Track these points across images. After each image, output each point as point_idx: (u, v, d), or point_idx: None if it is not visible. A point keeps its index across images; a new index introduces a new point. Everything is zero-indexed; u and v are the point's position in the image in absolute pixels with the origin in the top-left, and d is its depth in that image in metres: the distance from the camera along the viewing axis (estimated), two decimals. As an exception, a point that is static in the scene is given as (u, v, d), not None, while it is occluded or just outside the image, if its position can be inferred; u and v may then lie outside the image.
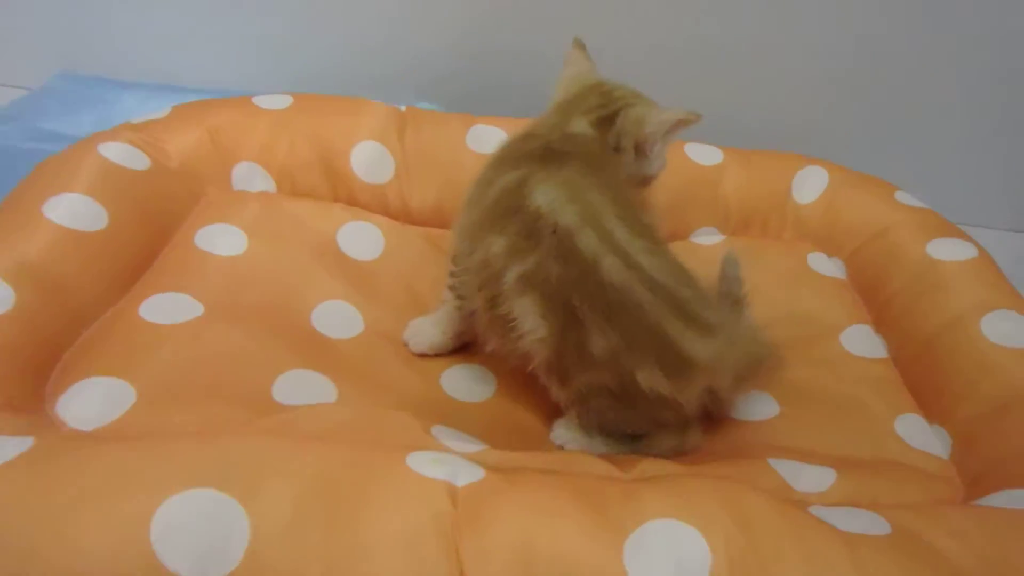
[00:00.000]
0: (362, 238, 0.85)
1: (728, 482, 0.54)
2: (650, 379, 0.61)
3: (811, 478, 0.62)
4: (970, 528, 0.52)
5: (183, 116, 0.85)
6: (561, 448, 0.68)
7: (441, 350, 0.75)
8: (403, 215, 0.90)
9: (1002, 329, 0.71)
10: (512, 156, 0.69)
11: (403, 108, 0.93)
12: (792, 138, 1.03)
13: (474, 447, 0.60)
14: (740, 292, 0.71)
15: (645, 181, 0.74)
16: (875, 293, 0.84)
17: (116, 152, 0.77)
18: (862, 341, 0.80)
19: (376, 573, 0.45)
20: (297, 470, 0.49)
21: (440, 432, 0.62)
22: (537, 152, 0.68)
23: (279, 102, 0.89)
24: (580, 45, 0.78)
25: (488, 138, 0.91)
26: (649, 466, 0.61)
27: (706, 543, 0.47)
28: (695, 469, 0.61)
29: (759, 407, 0.73)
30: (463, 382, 0.73)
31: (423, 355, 0.75)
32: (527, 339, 0.64)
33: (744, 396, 0.72)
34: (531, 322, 0.63)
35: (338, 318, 0.76)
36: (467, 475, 0.51)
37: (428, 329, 0.75)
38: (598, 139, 0.71)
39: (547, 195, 0.63)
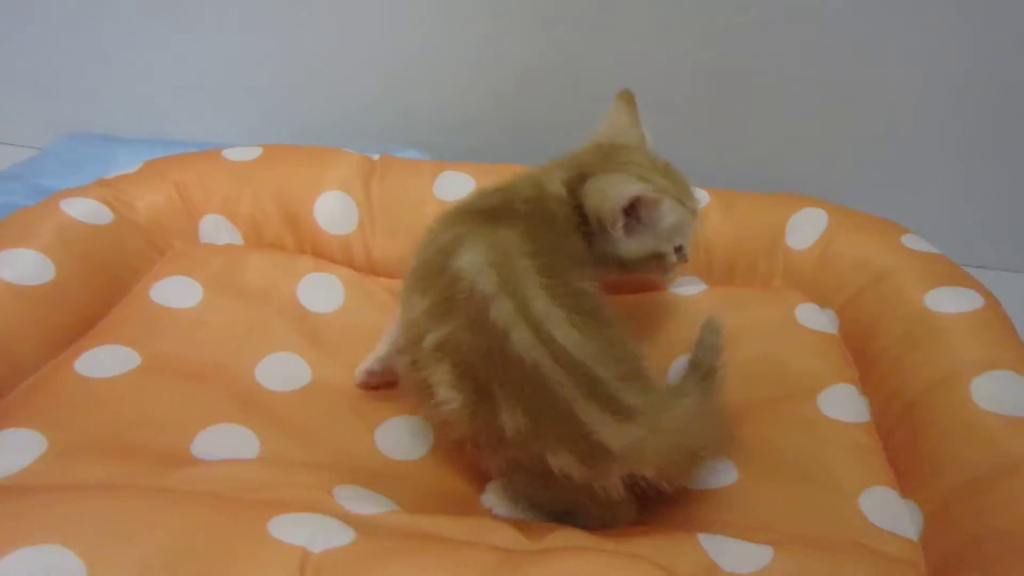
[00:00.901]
0: (322, 290, 0.87)
1: (632, 560, 0.52)
2: (561, 464, 0.58)
3: (743, 556, 0.58)
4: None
5: (152, 170, 0.90)
6: (489, 512, 0.66)
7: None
8: (367, 266, 0.91)
9: (994, 392, 0.66)
10: (464, 211, 0.69)
11: (375, 157, 0.95)
12: (804, 179, 1.00)
13: (378, 508, 0.59)
14: (715, 363, 0.66)
15: (623, 265, 0.71)
16: (864, 348, 0.78)
17: (79, 208, 0.82)
18: (843, 403, 0.75)
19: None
20: (148, 535, 0.49)
21: (344, 492, 0.61)
22: (489, 209, 0.68)
23: (247, 154, 0.92)
24: (625, 98, 0.77)
25: (456, 186, 0.91)
26: (561, 536, 0.59)
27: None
28: (610, 543, 0.58)
29: (714, 474, 0.69)
30: (399, 438, 0.73)
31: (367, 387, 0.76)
32: (443, 408, 0.62)
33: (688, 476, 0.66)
34: (444, 392, 0.61)
35: (283, 371, 0.78)
36: (329, 540, 0.50)
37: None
38: (568, 202, 0.70)
39: (471, 257, 0.62)
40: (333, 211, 0.90)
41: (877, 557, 0.61)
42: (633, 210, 0.68)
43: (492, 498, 0.67)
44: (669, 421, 0.59)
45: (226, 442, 0.68)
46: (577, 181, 0.70)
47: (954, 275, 0.79)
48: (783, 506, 0.65)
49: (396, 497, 0.64)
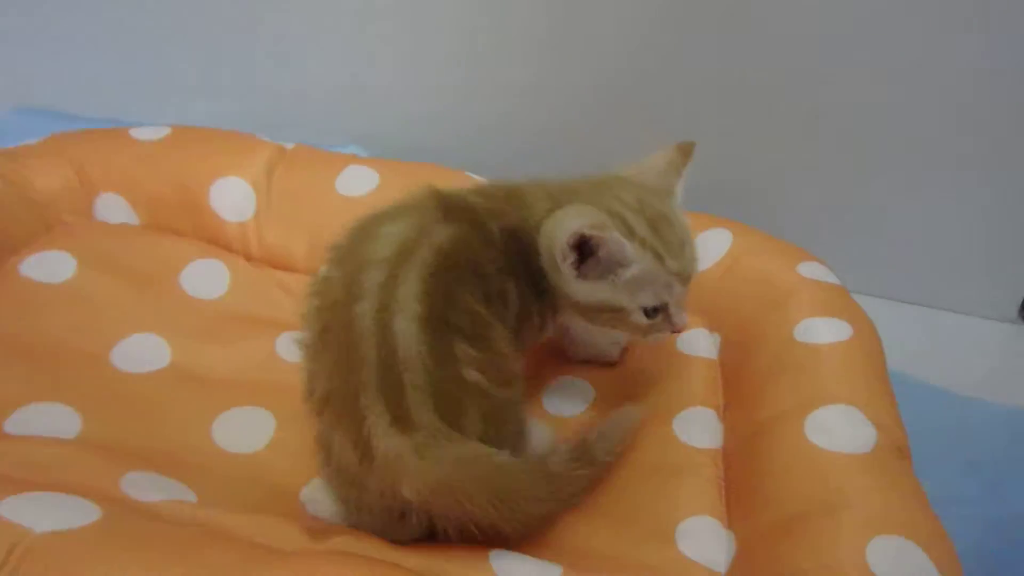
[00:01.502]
0: (207, 277, 0.88)
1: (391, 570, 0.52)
2: (338, 447, 0.59)
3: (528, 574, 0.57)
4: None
5: (53, 144, 0.93)
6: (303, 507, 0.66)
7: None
8: (261, 256, 0.92)
9: (827, 426, 0.65)
10: (445, 196, 0.69)
11: (290, 146, 0.96)
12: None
13: (162, 496, 0.60)
14: (604, 455, 0.67)
15: (581, 311, 0.69)
16: (737, 374, 0.77)
17: (-36, 178, 0.85)
18: (699, 427, 0.74)
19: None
20: None
21: (134, 477, 0.63)
22: (461, 205, 0.68)
23: (155, 134, 0.95)
24: (682, 149, 0.73)
25: (360, 181, 0.92)
26: (346, 541, 0.59)
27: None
28: (395, 555, 0.58)
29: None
30: (240, 429, 0.74)
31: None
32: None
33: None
34: (303, 334, 0.64)
35: (141, 353, 0.79)
36: (61, 522, 0.51)
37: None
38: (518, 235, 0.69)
39: (395, 227, 0.64)
40: (230, 198, 0.92)
41: (678, 568, 0.60)
42: (588, 248, 0.65)
43: (307, 493, 0.67)
44: (438, 454, 0.57)
45: (44, 421, 0.69)
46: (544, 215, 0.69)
47: (837, 305, 0.77)
48: (603, 527, 0.65)
49: (204, 488, 0.65)
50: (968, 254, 1.08)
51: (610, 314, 0.68)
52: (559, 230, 0.65)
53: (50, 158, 0.91)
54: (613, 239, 0.64)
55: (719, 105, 1.04)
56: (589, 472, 0.66)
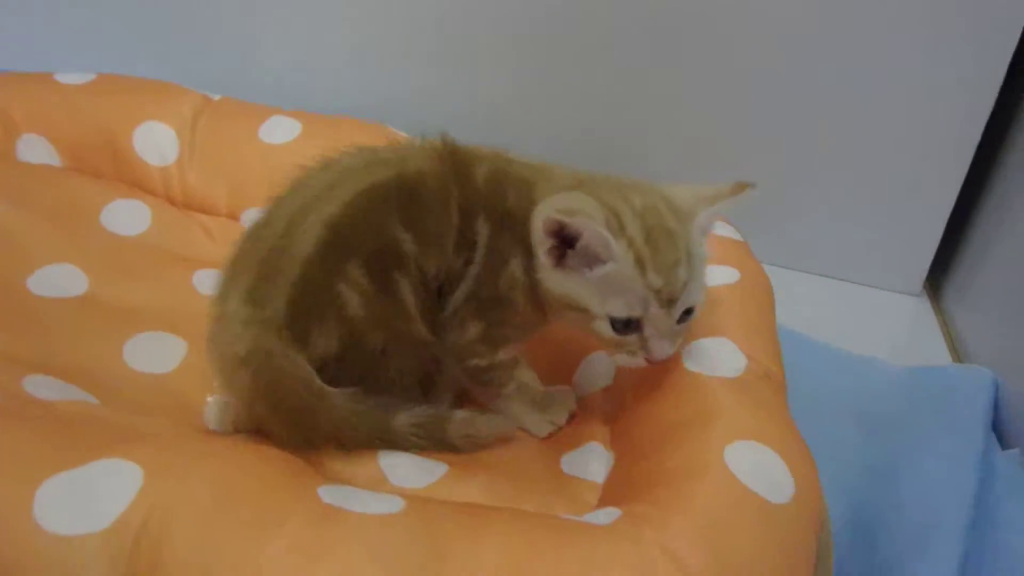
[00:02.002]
0: (128, 215, 0.94)
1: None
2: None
3: (416, 471, 0.64)
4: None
5: (-24, 86, 0.97)
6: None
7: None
8: (183, 200, 0.98)
9: (705, 355, 0.71)
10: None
11: (216, 97, 1.01)
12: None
13: (61, 396, 0.65)
14: (455, 440, 0.69)
15: (550, 302, 0.67)
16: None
17: None
18: (594, 372, 0.80)
19: None
20: None
21: (35, 380, 0.67)
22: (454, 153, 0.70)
23: (79, 79, 1.00)
24: (734, 187, 0.68)
25: (283, 130, 0.98)
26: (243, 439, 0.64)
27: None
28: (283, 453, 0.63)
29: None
30: (149, 351, 0.79)
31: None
32: None
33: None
34: None
35: (59, 281, 0.84)
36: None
37: None
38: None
39: (352, 154, 0.70)
40: (153, 142, 0.97)
41: (559, 484, 0.67)
42: (569, 239, 0.63)
43: (207, 410, 0.72)
44: (258, 336, 0.63)
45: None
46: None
47: (732, 256, 0.84)
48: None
49: (109, 398, 0.70)
50: (876, 229, 1.15)
51: (576, 314, 0.66)
52: (539, 214, 0.64)
53: (-29, 99, 0.95)
54: (589, 229, 0.61)
55: (640, 76, 1.11)
56: (428, 445, 0.67)
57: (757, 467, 0.60)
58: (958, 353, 1.07)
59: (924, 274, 1.17)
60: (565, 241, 0.63)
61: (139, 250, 0.90)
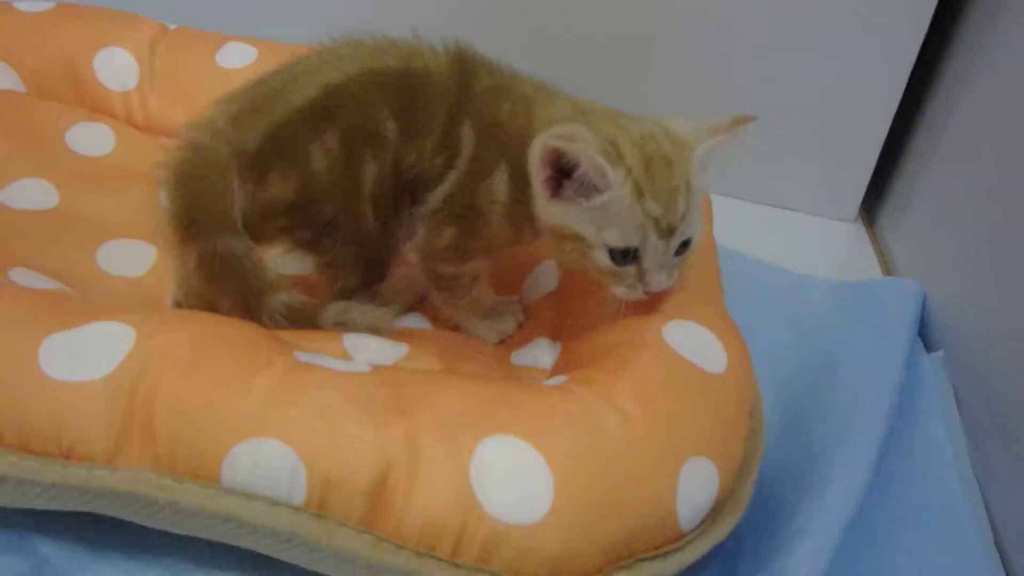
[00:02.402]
0: (93, 136, 1.00)
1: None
2: None
3: (381, 351, 0.71)
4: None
5: (-64, 13, 1.01)
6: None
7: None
8: (145, 124, 1.03)
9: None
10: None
11: (172, 27, 1.06)
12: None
13: (44, 286, 0.70)
14: (325, 325, 0.74)
15: (547, 230, 0.70)
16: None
17: None
18: (543, 280, 0.88)
19: None
20: None
21: (19, 272, 0.73)
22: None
23: (39, 7, 1.04)
24: (737, 118, 0.71)
25: (239, 56, 1.04)
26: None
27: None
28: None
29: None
30: (122, 257, 0.85)
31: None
32: None
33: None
34: None
35: (32, 195, 0.89)
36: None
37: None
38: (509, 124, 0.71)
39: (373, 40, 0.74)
40: (114, 67, 1.02)
41: (511, 371, 0.75)
42: (566, 168, 0.65)
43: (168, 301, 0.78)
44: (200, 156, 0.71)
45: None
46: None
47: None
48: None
49: (85, 294, 0.75)
50: (812, 158, 1.23)
51: (574, 244, 0.67)
52: (537, 143, 0.65)
53: (-68, 26, 0.99)
54: (586, 157, 0.63)
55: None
56: (294, 326, 0.72)
57: (692, 342, 0.68)
58: (890, 274, 1.16)
59: (859, 201, 1.25)
60: (562, 171, 0.65)
61: (105, 170, 0.96)
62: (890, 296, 1.02)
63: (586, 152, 0.62)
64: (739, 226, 1.07)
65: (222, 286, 0.69)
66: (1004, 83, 0.96)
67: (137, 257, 0.84)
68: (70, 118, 0.99)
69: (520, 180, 0.68)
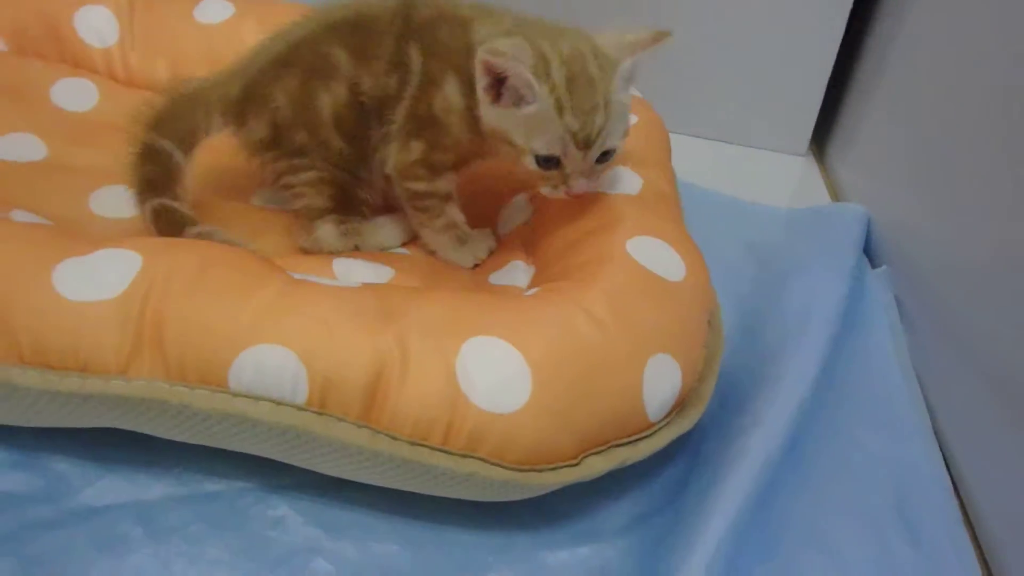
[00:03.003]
0: (76, 92, 1.01)
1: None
2: None
3: (365, 271, 0.75)
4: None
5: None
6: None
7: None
8: (126, 79, 1.05)
9: (610, 180, 0.83)
10: None
11: (148, -15, 1.09)
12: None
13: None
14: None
15: (486, 129, 0.76)
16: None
17: None
18: (511, 212, 0.93)
19: None
20: None
21: (19, 214, 0.75)
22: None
23: None
24: (654, 35, 0.75)
25: (216, 11, 1.06)
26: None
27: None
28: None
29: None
30: (114, 202, 0.86)
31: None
32: None
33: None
34: None
35: (20, 149, 0.92)
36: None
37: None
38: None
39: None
40: (96, 24, 1.04)
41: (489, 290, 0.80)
42: (502, 78, 0.71)
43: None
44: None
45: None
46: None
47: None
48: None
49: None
50: (762, 95, 1.28)
51: (508, 148, 0.75)
52: (478, 55, 0.71)
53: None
54: (514, 71, 0.70)
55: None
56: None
57: (653, 254, 0.74)
58: (839, 202, 1.22)
59: (809, 135, 1.30)
60: (500, 80, 0.71)
61: (90, 124, 0.98)
62: (837, 218, 1.08)
63: (514, 66, 0.69)
64: (697, 162, 1.12)
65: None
66: (936, 20, 1.01)
67: (128, 202, 0.86)
68: (53, 75, 1.01)
69: (470, 88, 0.75)
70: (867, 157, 1.19)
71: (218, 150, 0.84)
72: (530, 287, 0.79)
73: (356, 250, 0.84)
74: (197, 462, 0.67)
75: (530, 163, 0.74)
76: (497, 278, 0.83)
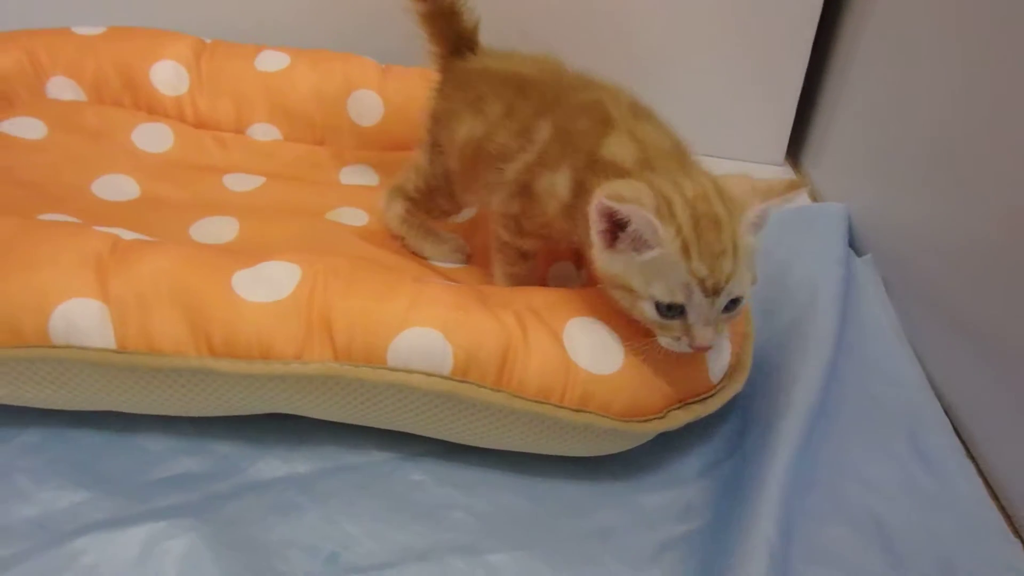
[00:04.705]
0: (154, 135, 1.12)
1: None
2: None
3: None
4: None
5: (4, 37, 1.11)
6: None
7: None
8: (195, 122, 1.15)
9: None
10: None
11: (208, 40, 1.18)
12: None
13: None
14: None
15: (599, 274, 0.72)
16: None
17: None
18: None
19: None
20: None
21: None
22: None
23: (93, 30, 1.15)
24: (789, 184, 0.71)
25: (274, 61, 1.17)
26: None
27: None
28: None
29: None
30: (210, 229, 0.97)
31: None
32: None
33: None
34: None
35: (117, 188, 1.02)
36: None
37: None
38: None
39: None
40: (168, 76, 1.14)
41: None
42: (621, 223, 0.67)
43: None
44: None
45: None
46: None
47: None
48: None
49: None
50: (737, 104, 1.39)
51: (623, 293, 0.69)
52: (595, 198, 0.66)
53: (2, 47, 1.09)
54: (638, 215, 0.65)
55: None
56: None
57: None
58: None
59: (785, 146, 1.43)
60: (617, 224, 0.67)
61: (170, 163, 1.09)
62: (821, 216, 1.21)
63: (638, 211, 0.64)
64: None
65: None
66: (894, 35, 1.15)
67: (223, 229, 0.97)
68: (132, 120, 1.11)
69: (580, 190, 0.74)
70: (839, 162, 1.32)
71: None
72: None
73: (404, 244, 0.97)
74: (336, 441, 0.78)
75: (649, 311, 0.68)
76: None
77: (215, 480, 0.74)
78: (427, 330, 0.69)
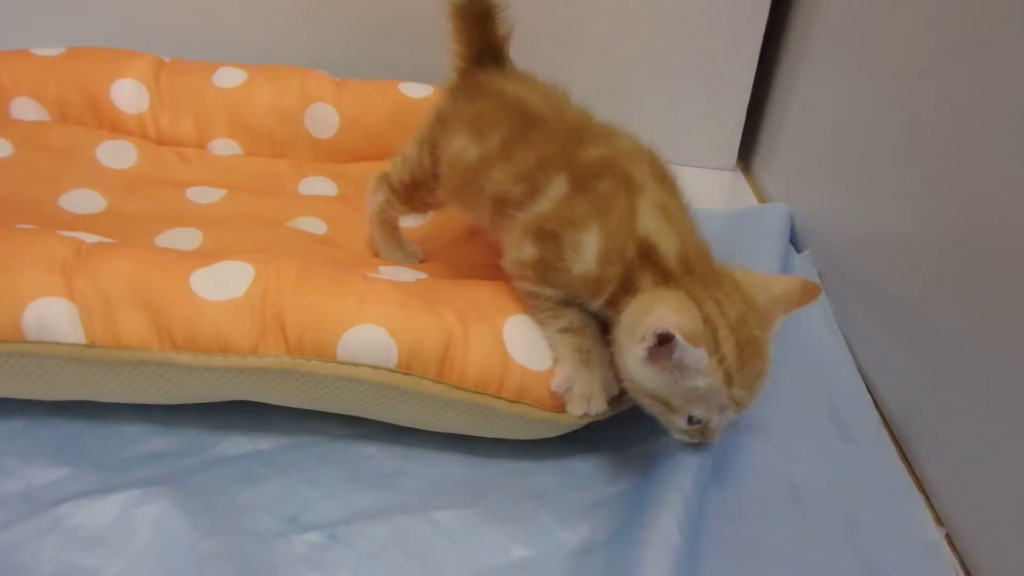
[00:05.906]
0: (118, 152, 1.22)
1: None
2: None
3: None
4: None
5: (-35, 60, 1.22)
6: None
7: None
8: (157, 138, 1.26)
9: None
10: None
11: (166, 59, 1.32)
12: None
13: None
14: None
15: (631, 384, 0.76)
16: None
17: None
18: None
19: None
20: None
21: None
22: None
23: (52, 51, 1.26)
24: (807, 291, 0.80)
25: (230, 77, 1.28)
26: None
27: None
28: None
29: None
30: (175, 240, 1.08)
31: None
32: None
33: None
34: None
35: (83, 202, 1.12)
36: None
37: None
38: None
39: None
40: (129, 94, 1.25)
41: None
42: (669, 345, 0.69)
43: None
44: None
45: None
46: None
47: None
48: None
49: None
50: (688, 110, 1.51)
51: (655, 402, 0.75)
52: (653, 315, 0.69)
53: (-38, 68, 1.19)
54: (691, 353, 0.68)
55: None
56: None
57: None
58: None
59: (735, 152, 1.55)
60: (666, 347, 0.70)
61: (134, 179, 1.18)
62: (765, 216, 1.33)
63: (690, 351, 0.68)
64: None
65: None
66: (835, 46, 1.28)
67: (187, 240, 1.07)
68: (95, 138, 1.21)
69: (608, 260, 0.77)
70: (786, 166, 1.43)
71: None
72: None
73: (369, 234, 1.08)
74: (297, 422, 0.88)
75: (680, 423, 0.75)
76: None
77: (185, 456, 0.83)
78: (374, 327, 0.79)
